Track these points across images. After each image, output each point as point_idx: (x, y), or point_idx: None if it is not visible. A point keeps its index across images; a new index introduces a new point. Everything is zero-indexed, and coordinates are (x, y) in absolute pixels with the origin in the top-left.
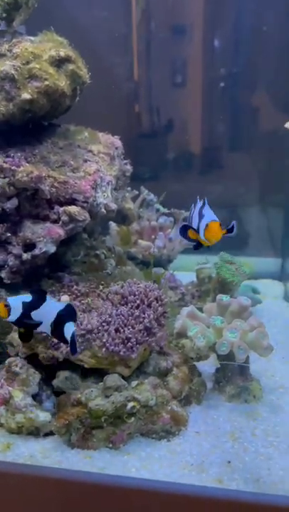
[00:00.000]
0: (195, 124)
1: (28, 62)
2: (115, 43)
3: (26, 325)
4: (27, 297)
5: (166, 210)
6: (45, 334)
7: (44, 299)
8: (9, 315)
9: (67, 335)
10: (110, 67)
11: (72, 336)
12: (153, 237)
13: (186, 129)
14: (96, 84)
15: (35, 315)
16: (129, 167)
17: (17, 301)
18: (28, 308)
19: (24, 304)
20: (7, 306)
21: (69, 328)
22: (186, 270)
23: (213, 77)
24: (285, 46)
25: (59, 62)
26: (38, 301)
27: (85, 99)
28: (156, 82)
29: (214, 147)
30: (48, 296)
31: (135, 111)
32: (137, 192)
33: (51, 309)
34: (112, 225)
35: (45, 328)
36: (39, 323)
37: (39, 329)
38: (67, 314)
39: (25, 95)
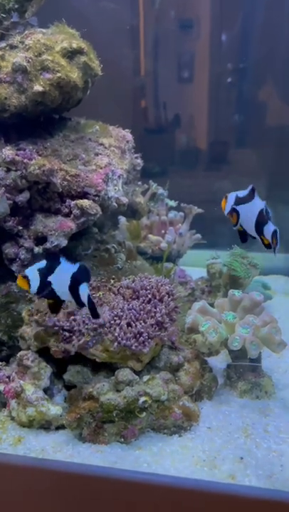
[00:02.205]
0: (203, 118)
1: (40, 54)
2: (122, 36)
3: (48, 294)
4: (41, 263)
5: (174, 204)
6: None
7: (58, 262)
8: (30, 286)
9: (83, 298)
10: (117, 61)
11: (89, 298)
12: (163, 231)
13: (194, 124)
14: (102, 78)
15: (53, 280)
16: (139, 161)
17: (33, 270)
18: (45, 274)
19: (40, 270)
20: (25, 277)
21: (83, 291)
22: (195, 265)
23: (221, 71)
24: None
25: (71, 54)
26: (52, 265)
27: (92, 93)
28: (163, 77)
29: (222, 142)
30: (63, 259)
31: (142, 105)
32: (147, 186)
33: (65, 272)
34: (122, 219)
35: (65, 294)
36: (55, 293)
37: (61, 298)
38: (80, 275)
39: (38, 87)
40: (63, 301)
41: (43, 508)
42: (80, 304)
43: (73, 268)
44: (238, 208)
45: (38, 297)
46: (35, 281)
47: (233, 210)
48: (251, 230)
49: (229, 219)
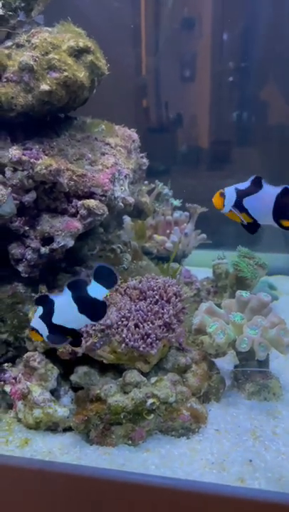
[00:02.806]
0: (205, 117)
1: (46, 53)
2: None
3: (60, 334)
4: (39, 311)
5: (178, 203)
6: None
7: (52, 302)
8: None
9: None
10: (120, 60)
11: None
12: (168, 231)
13: (197, 123)
14: (106, 77)
15: (56, 319)
16: (145, 160)
17: (37, 320)
18: (47, 317)
19: (41, 317)
20: (34, 329)
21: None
22: (200, 265)
23: (223, 70)
24: None
25: (78, 53)
26: (49, 306)
27: (95, 93)
28: (166, 76)
29: (225, 141)
30: (54, 296)
31: (144, 105)
32: (153, 185)
33: (66, 304)
34: (127, 219)
35: (76, 322)
36: (66, 329)
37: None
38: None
39: (44, 86)
40: (78, 332)
41: (46, 510)
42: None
43: (68, 295)
44: (245, 200)
45: (56, 345)
46: (43, 330)
47: (238, 205)
48: (267, 220)
49: (231, 216)
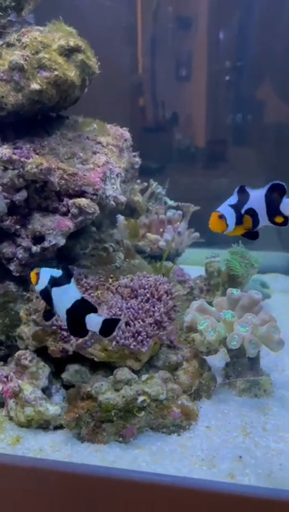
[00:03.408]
0: (201, 116)
1: (37, 52)
2: (120, 34)
3: (46, 300)
4: (57, 272)
5: (173, 204)
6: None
7: (69, 281)
8: (37, 283)
9: (91, 327)
10: (115, 59)
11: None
12: (161, 230)
13: (192, 122)
14: (100, 76)
15: (55, 292)
16: (137, 159)
17: (46, 273)
18: (52, 283)
19: (51, 277)
20: (38, 274)
21: (94, 321)
22: (194, 264)
23: (219, 69)
24: None
25: (68, 52)
26: (63, 280)
27: (90, 92)
28: (161, 75)
29: (220, 140)
30: (73, 280)
31: (140, 104)
32: (146, 184)
33: (69, 295)
34: (120, 218)
35: (61, 312)
36: (51, 304)
37: (57, 312)
38: (85, 307)
39: (35, 85)
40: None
41: (40, 508)
42: (74, 329)
43: (77, 296)
44: (244, 208)
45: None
46: (41, 283)
47: (239, 221)
48: (264, 222)
49: (233, 233)
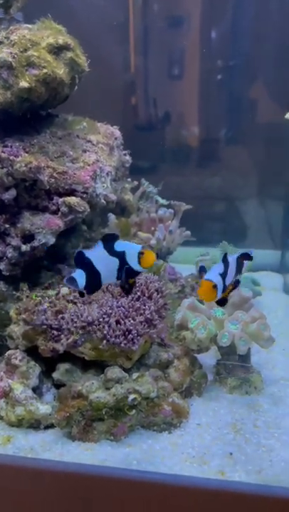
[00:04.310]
0: (193, 115)
1: (25, 50)
2: (112, 32)
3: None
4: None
5: (165, 202)
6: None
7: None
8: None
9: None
10: (107, 58)
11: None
12: (153, 229)
13: (184, 121)
14: (93, 75)
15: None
16: (128, 158)
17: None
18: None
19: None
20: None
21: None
22: (185, 262)
23: (211, 68)
24: (285, 37)
25: (57, 50)
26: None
27: (82, 91)
28: (153, 74)
29: (212, 139)
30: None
31: (132, 102)
32: (137, 183)
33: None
34: (112, 216)
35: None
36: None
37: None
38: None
39: (23, 83)
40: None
41: (36, 508)
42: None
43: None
44: (226, 280)
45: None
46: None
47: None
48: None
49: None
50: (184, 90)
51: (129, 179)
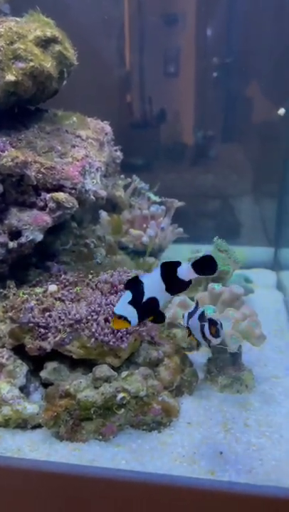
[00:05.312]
0: (188, 113)
1: (12, 43)
2: (107, 28)
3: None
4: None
5: (157, 199)
6: None
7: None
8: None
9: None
10: (102, 55)
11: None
12: (144, 226)
13: (179, 118)
14: (87, 71)
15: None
16: (119, 153)
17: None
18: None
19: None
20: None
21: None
22: (177, 259)
23: (207, 66)
24: (279, 35)
25: (45, 43)
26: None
27: (76, 87)
28: (149, 71)
29: (207, 136)
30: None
31: (127, 99)
32: (129, 180)
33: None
34: (103, 213)
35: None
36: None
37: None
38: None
39: (10, 77)
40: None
41: (32, 509)
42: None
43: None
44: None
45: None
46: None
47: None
48: (168, 297)
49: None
50: (179, 88)
51: (122, 176)
